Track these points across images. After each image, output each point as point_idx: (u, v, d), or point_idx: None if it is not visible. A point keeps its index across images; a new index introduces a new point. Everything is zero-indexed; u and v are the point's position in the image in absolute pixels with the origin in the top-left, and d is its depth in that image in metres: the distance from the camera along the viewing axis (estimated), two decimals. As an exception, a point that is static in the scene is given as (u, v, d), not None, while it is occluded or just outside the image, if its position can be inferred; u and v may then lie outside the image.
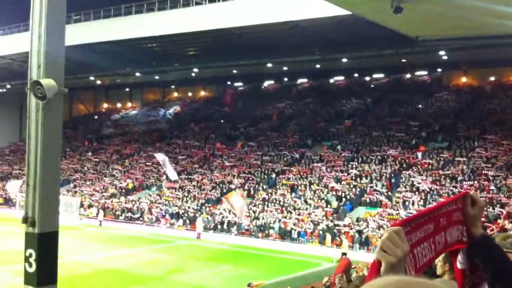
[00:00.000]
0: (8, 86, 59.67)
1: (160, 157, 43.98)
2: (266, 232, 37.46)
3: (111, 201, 48.42)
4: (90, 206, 48.25)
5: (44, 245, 6.60)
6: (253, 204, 41.14)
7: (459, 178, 36.67)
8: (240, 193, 38.09)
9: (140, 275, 28.21)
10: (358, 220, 35.86)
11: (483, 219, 31.17)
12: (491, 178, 35.76)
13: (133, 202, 47.13)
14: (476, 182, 35.64)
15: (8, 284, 23.94)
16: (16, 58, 47.30)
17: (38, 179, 6.68)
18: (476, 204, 2.35)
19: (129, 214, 45.42)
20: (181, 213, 42.94)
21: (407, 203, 35.77)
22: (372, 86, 56.66)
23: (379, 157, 42.14)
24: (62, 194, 43.97)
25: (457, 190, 35.13)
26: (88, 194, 51.15)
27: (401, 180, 38.66)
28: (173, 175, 44.25)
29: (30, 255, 6.48)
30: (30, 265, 6.48)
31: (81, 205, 47.82)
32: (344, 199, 38.38)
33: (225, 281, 26.83)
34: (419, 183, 37.38)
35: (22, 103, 60.39)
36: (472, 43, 30.29)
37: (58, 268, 6.85)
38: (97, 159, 59.59)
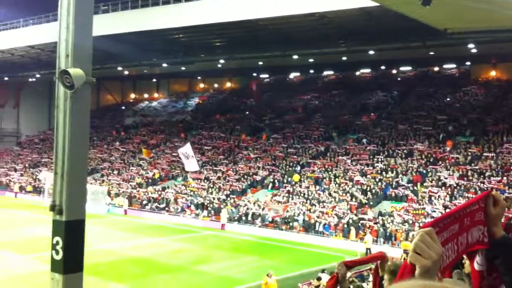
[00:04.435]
0: (38, 76, 60.47)
1: (186, 148, 44.06)
2: (290, 224, 37.47)
3: (137, 191, 48.89)
4: (117, 195, 48.77)
5: (71, 233, 6.68)
6: (279, 196, 41.27)
7: (487, 174, 36.15)
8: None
9: (165, 264, 28.49)
10: (382, 214, 35.63)
11: (510, 215, 30.74)
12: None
13: (159, 192, 47.52)
14: (504, 178, 35.10)
15: (35, 271, 24.39)
16: (45, 48, 47.96)
17: (65, 167, 6.76)
18: (498, 204, 2.33)
19: (155, 204, 45.82)
20: (206, 204, 43.17)
21: (433, 198, 35.42)
22: (399, 79, 56.16)
23: (405, 151, 41.75)
24: (89, 183, 44.58)
25: (484, 186, 34.67)
26: (115, 183, 51.70)
27: (428, 175, 38.25)
28: (195, 167, 44.21)
29: (57, 242, 6.57)
30: (57, 253, 6.58)
31: (109, 194, 48.36)
32: (369, 193, 38.19)
33: (249, 272, 26.93)
34: (446, 178, 36.95)
35: (51, 92, 61.22)
36: (501, 36, 29.72)
37: (85, 256, 6.95)
38: (124, 149, 60.17)
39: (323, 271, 22.52)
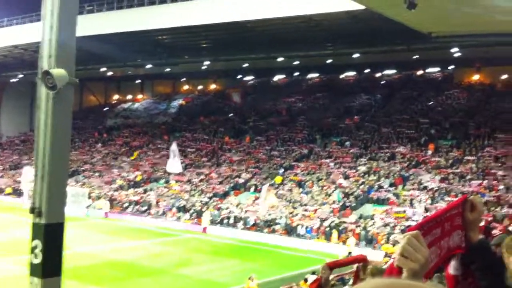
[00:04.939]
0: (20, 76, 59.88)
1: (173, 147, 43.99)
2: (272, 227, 37.42)
3: (119, 193, 48.53)
4: (98, 197, 48.39)
5: (50, 236, 6.56)
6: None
7: (468, 177, 36.47)
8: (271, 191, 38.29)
9: (146, 267, 28.31)
10: (363, 217, 35.75)
11: (490, 218, 31.01)
12: (500, 177, 35.54)
13: (141, 195, 47.22)
14: (485, 181, 35.43)
15: (14, 275, 24.04)
16: (28, 48, 47.43)
17: (46, 169, 6.64)
18: (475, 209, 2.32)
19: (137, 207, 45.51)
20: (188, 206, 42.98)
21: (414, 201, 35.64)
22: (383, 82, 56.47)
23: (388, 154, 41.98)
24: (70, 185, 44.18)
25: (465, 189, 35.00)
26: (96, 186, 51.29)
27: (410, 178, 38.49)
28: (178, 168, 44.02)
29: (36, 246, 6.45)
30: (36, 256, 6.45)
31: (89, 197, 47.95)
32: (351, 196, 38.32)
33: (231, 276, 26.87)
34: (428, 181, 37.22)
35: (33, 93, 60.62)
36: (485, 41, 30.03)
37: (64, 259, 6.82)
38: (106, 151, 59.76)
39: (313, 273, 22.44)
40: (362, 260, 5.47)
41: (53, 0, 6.73)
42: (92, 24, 38.29)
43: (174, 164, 43.59)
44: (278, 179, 43.03)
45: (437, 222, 2.11)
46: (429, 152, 40.78)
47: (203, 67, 52.53)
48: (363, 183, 39.43)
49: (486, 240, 2.48)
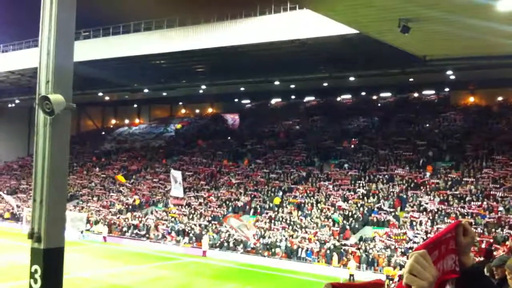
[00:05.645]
0: (17, 101, 60.03)
1: (176, 173, 44.19)
2: (273, 250, 37.24)
3: (118, 217, 48.33)
4: (96, 222, 48.17)
5: (50, 261, 6.56)
6: (260, 221, 41.06)
7: (467, 199, 36.41)
8: (233, 216, 38.19)
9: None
10: (364, 239, 35.60)
11: (491, 240, 30.91)
12: (499, 199, 35.49)
13: (140, 219, 47.02)
14: (484, 202, 35.38)
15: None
16: (25, 73, 47.66)
17: (45, 194, 6.66)
18: (468, 233, 2.33)
19: (136, 231, 45.30)
20: (187, 230, 42.79)
21: (414, 223, 35.53)
22: (379, 104, 56.67)
23: (386, 176, 41.94)
24: (68, 210, 44.00)
25: (465, 210, 34.95)
26: (95, 210, 51.09)
27: (409, 200, 38.43)
28: (180, 193, 44.19)
29: (36, 271, 6.44)
30: (36, 281, 6.44)
31: (88, 221, 47.73)
32: (351, 219, 38.21)
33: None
34: (427, 203, 37.15)
35: (30, 118, 60.77)
36: (479, 63, 30.23)
37: (64, 284, 6.81)
38: (104, 175, 59.63)
39: None
40: (379, 285, 5.37)
41: (50, 26, 6.82)
42: (88, 50, 38.59)
43: (178, 189, 43.78)
44: (276, 200, 42.97)
45: (435, 244, 2.13)
46: (428, 173, 40.77)
47: (200, 91, 52.75)
48: (362, 205, 39.34)
49: (478, 265, 2.49)
